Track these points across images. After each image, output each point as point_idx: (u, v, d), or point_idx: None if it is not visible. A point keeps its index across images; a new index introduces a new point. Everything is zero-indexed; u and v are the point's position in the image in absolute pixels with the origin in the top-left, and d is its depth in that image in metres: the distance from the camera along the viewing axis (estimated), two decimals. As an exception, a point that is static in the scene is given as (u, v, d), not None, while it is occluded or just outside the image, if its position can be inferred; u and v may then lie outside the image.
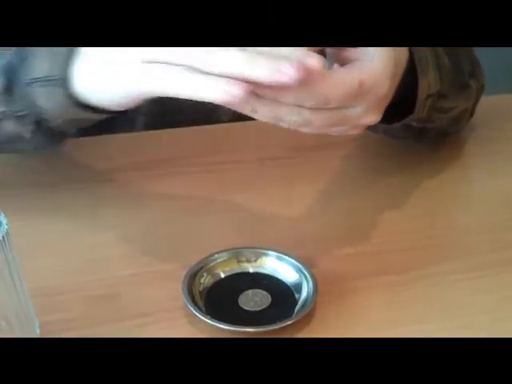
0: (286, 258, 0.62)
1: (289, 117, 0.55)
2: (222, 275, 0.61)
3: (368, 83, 0.55)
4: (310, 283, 0.61)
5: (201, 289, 0.61)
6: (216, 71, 0.51)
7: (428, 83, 0.67)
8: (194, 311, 0.58)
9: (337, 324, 0.60)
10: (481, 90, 0.81)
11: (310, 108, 0.54)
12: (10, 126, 0.66)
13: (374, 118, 0.58)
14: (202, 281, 0.61)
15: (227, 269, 0.62)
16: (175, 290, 0.60)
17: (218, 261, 0.62)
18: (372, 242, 0.68)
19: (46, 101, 0.63)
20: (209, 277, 0.61)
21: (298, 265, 0.62)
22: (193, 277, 0.61)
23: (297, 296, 0.60)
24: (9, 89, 0.64)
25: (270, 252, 0.62)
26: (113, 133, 0.79)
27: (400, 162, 0.80)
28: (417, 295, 0.63)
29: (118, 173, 0.77)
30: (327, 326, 0.59)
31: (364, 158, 0.82)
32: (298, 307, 0.60)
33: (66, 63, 0.60)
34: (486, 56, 0.81)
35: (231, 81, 0.50)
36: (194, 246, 0.62)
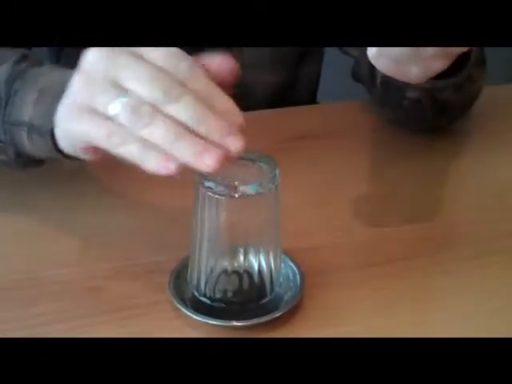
0: (274, 251, 0.61)
1: None
2: (211, 269, 0.60)
3: None
4: (297, 276, 0.62)
5: (188, 283, 0.61)
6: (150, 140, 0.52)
7: (475, 50, 0.68)
8: (178, 305, 0.59)
9: (324, 317, 0.60)
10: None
11: None
12: None
13: (443, 62, 0.59)
14: (189, 275, 0.61)
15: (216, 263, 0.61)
16: (162, 283, 0.61)
17: None
18: (358, 234, 0.69)
19: (31, 145, 0.62)
20: (197, 271, 0.61)
21: (285, 258, 0.62)
22: (181, 270, 0.62)
23: (284, 289, 0.61)
24: None
25: (257, 245, 0.61)
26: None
27: (390, 152, 0.80)
28: (405, 287, 0.63)
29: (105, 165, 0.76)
30: (315, 319, 0.60)
31: (353, 150, 0.81)
32: (285, 300, 0.60)
33: (52, 113, 0.59)
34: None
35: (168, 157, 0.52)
36: (184, 238, 0.62)
